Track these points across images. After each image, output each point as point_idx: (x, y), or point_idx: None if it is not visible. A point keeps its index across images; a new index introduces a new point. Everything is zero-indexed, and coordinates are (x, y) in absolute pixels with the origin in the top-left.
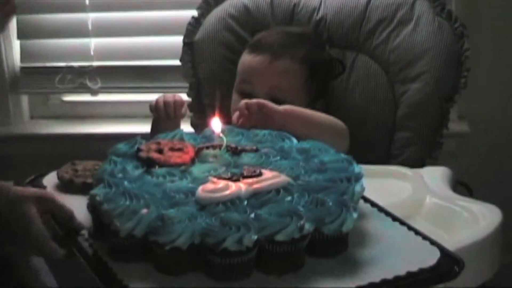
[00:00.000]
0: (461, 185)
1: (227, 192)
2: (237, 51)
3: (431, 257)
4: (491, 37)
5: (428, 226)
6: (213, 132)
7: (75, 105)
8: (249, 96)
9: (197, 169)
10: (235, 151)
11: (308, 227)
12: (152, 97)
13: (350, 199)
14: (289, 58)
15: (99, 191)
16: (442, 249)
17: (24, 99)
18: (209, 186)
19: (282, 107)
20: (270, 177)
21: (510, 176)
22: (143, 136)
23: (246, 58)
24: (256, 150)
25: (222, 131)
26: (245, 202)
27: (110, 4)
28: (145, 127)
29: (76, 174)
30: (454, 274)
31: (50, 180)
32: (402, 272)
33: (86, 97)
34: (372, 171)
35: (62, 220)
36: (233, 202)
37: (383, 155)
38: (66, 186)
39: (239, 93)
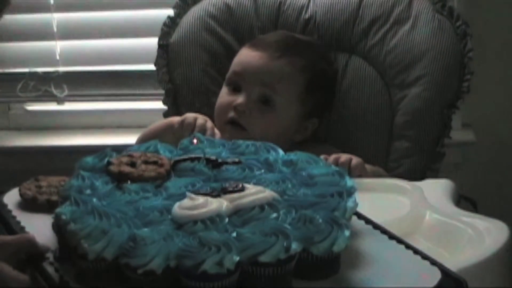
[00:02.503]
0: (465, 200)
1: (206, 209)
2: (217, 54)
3: (431, 279)
4: (497, 37)
5: (428, 245)
6: (191, 143)
7: (39, 115)
8: (238, 90)
9: (173, 184)
10: (215, 164)
11: (295, 247)
12: (123, 105)
13: (341, 216)
14: (289, 62)
15: (65, 210)
16: (443, 270)
17: None
18: (186, 202)
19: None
20: (253, 192)
21: None
22: (114, 148)
23: (244, 52)
24: (239, 163)
25: (201, 142)
26: (226, 220)
27: (77, 3)
28: (116, 138)
29: (40, 191)
30: None
31: (12, 197)
32: None
33: (51, 106)
34: (367, 185)
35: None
36: (212, 220)
37: (380, 167)
38: (29, 204)
39: (229, 85)
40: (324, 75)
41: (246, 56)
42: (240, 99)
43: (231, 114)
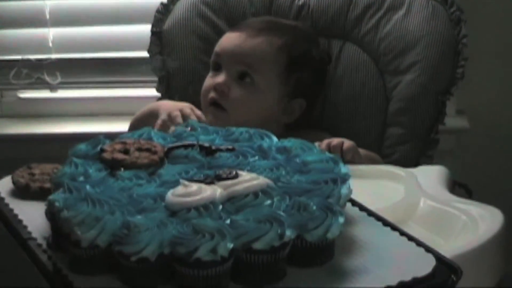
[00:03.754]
0: (459, 186)
1: (200, 196)
2: (211, 41)
3: (426, 266)
4: (491, 23)
5: (423, 232)
6: (184, 130)
7: (32, 102)
8: (219, 70)
9: (166, 171)
10: (209, 151)
11: (289, 233)
12: (117, 92)
13: (336, 203)
14: (267, 41)
15: (58, 197)
16: (438, 257)
17: None
18: (180, 189)
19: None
20: (247, 179)
21: None
22: (107, 135)
23: (225, 34)
24: (232, 150)
25: (194, 129)
26: (220, 207)
27: None
28: (109, 126)
29: (32, 179)
30: (451, 283)
31: (4, 185)
32: (394, 282)
33: (44, 94)
34: (361, 172)
35: None
36: (206, 207)
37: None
38: (21, 192)
39: (212, 68)
40: (306, 55)
41: (226, 37)
42: (219, 78)
43: (212, 95)
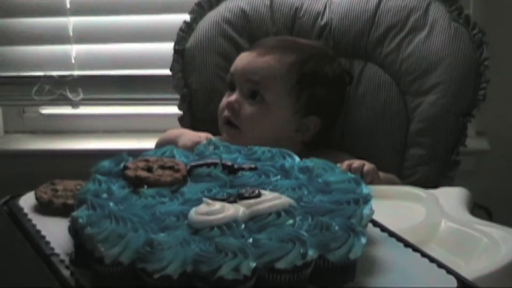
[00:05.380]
0: (480, 208)
1: (223, 214)
2: (232, 60)
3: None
4: None
5: (444, 253)
6: (207, 148)
7: (54, 118)
8: (234, 89)
9: (189, 190)
10: (232, 170)
11: (311, 253)
12: (138, 110)
13: (358, 223)
14: (276, 59)
15: (81, 213)
16: (459, 278)
17: None
18: (203, 208)
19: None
20: (270, 199)
21: None
22: (130, 152)
23: (241, 54)
24: (255, 169)
25: (217, 148)
26: (243, 226)
27: (93, 7)
28: (130, 143)
29: (56, 195)
30: None
31: (28, 201)
32: None
33: (66, 110)
34: (382, 192)
35: None
36: (229, 225)
37: (394, 174)
38: (44, 208)
39: (228, 87)
40: (318, 72)
41: (240, 57)
42: (232, 97)
43: (225, 113)
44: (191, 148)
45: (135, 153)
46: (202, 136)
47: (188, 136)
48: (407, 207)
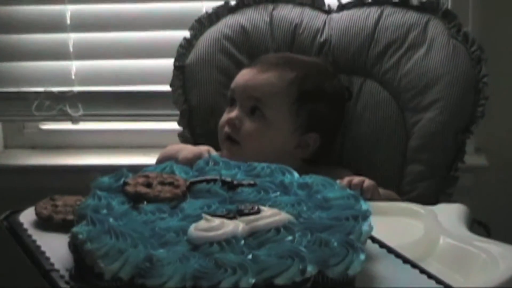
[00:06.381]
0: (479, 224)
1: (222, 230)
2: (232, 76)
3: None
4: (511, 62)
5: (442, 269)
6: (206, 164)
7: (54, 134)
8: (234, 105)
9: (189, 206)
10: (231, 186)
11: (310, 269)
12: (138, 125)
13: (357, 239)
14: (276, 76)
15: (81, 229)
16: None
17: None
18: (202, 224)
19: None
20: (269, 215)
21: None
22: (130, 168)
23: (241, 71)
24: (254, 185)
25: (216, 163)
26: (242, 242)
27: (94, 23)
28: (130, 159)
29: (55, 210)
30: None
31: (27, 216)
32: None
33: (66, 125)
34: (381, 209)
35: None
36: (228, 241)
37: (393, 190)
38: (44, 223)
39: (228, 102)
40: (318, 88)
41: (241, 73)
42: (232, 113)
43: (226, 129)
44: (192, 160)
45: (135, 169)
46: (203, 149)
47: (189, 149)
48: (406, 223)
